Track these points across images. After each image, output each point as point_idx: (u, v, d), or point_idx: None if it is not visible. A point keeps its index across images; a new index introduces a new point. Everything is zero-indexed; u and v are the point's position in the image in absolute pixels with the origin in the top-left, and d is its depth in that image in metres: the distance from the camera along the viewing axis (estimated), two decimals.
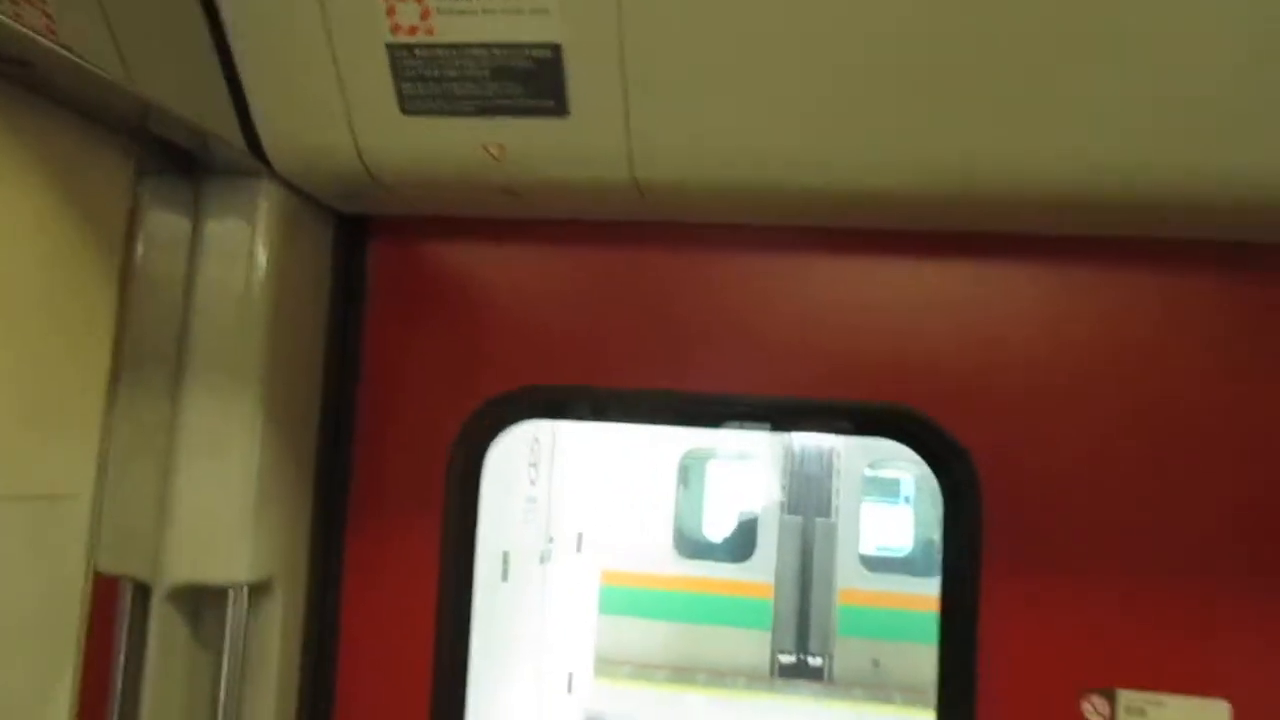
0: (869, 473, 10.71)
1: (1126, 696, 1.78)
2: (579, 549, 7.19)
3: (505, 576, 5.48)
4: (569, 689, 7.04)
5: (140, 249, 1.81)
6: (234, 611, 1.80)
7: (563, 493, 6.55)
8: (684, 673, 10.59)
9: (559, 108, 1.59)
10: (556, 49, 1.53)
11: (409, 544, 1.99)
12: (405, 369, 2.03)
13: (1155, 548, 1.80)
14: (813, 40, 1.49)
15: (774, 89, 1.55)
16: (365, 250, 2.05)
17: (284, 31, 1.59)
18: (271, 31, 1.60)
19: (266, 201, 1.79)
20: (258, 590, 1.84)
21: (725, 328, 1.94)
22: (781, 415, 1.96)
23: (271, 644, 1.87)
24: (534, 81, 1.57)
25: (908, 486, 12.90)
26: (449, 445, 1.99)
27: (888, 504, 13.26)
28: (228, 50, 1.61)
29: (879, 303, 1.90)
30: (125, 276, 1.79)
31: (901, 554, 11.72)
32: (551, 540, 6.47)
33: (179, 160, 1.77)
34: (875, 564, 10.67)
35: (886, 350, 1.89)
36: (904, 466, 11.21)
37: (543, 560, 6.35)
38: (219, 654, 1.80)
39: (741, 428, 1.90)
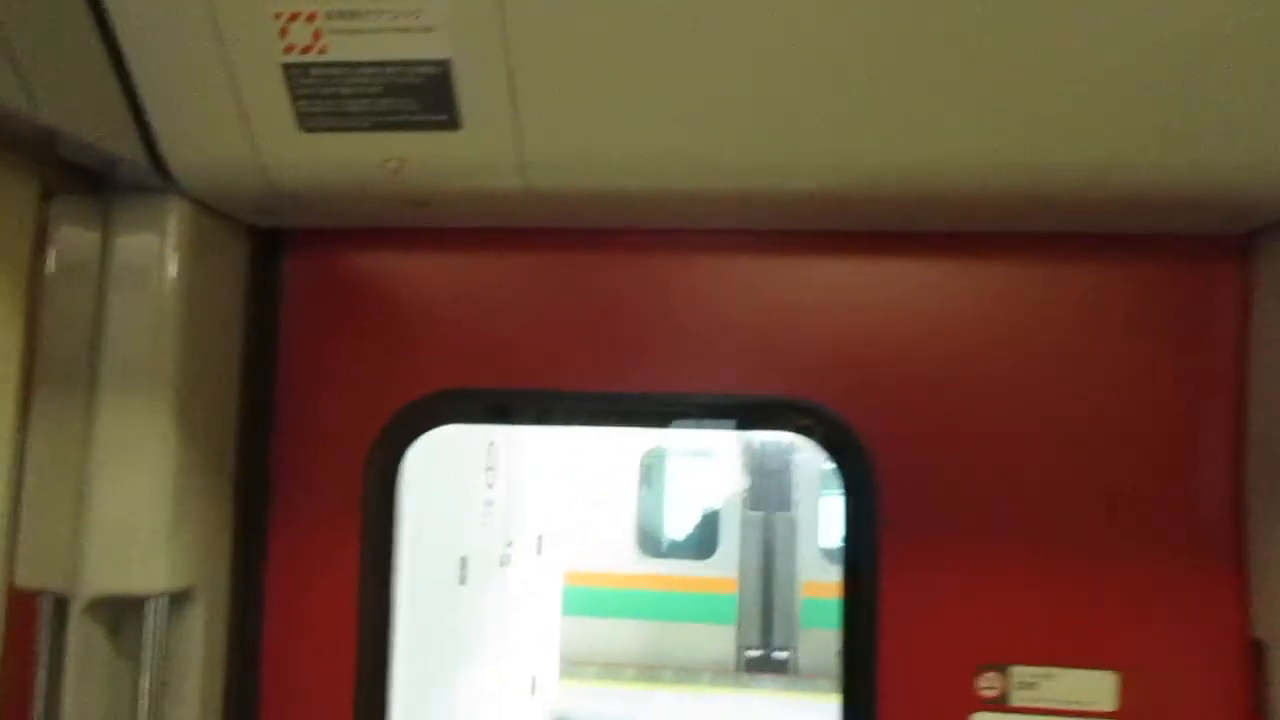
0: (828, 466, 10.81)
1: (1019, 671, 1.86)
2: (540, 551, 7.24)
3: (463, 580, 5.52)
4: (532, 691, 7.08)
5: (51, 268, 1.84)
6: (153, 622, 1.83)
7: (522, 495, 6.59)
8: (651, 670, 10.66)
9: (452, 121, 1.64)
10: (445, 64, 1.58)
11: (330, 550, 2.03)
12: (323, 377, 2.07)
13: (1046, 530, 1.88)
14: (699, 46, 1.54)
15: (660, 97, 1.60)
16: (281, 263, 2.09)
17: (181, 53, 1.63)
18: (169, 53, 1.63)
19: (175, 217, 1.83)
20: (178, 600, 1.88)
21: (630, 328, 2.00)
22: (678, 412, 2.02)
23: (194, 653, 1.90)
24: (426, 96, 1.62)
25: None
26: (367, 450, 2.03)
27: None
28: (127, 73, 1.64)
29: (779, 300, 1.97)
30: (35, 296, 1.82)
31: None
32: (511, 543, 6.51)
33: (87, 180, 1.81)
34: (837, 556, 10.74)
35: (787, 346, 1.96)
36: None
37: (502, 563, 6.40)
38: (140, 665, 1.84)
39: (642, 425, 1.96)
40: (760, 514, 10.95)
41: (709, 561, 10.91)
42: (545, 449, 7.14)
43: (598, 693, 10.03)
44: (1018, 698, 1.86)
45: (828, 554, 10.58)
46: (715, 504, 11.11)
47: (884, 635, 1.89)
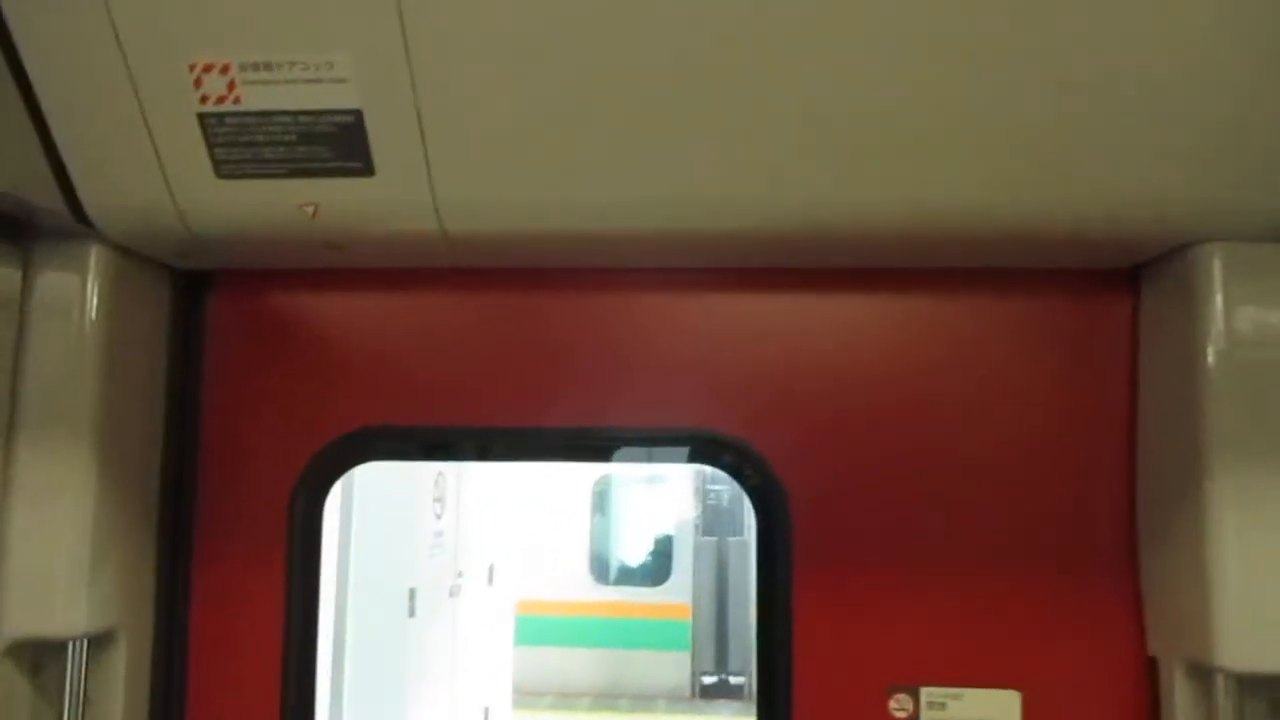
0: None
1: (928, 692, 1.93)
2: (491, 581, 7.22)
3: (412, 612, 5.50)
4: None
5: None
6: (75, 664, 1.84)
7: (472, 526, 6.58)
8: (606, 699, 10.63)
9: (365, 168, 1.69)
10: (358, 114, 1.63)
11: (254, 589, 2.04)
12: (246, 416, 2.10)
13: (952, 555, 1.95)
14: (605, 94, 1.60)
15: (570, 142, 1.65)
16: (205, 303, 2.12)
17: (98, 104, 1.65)
18: (86, 104, 1.66)
19: (95, 261, 1.85)
20: (100, 642, 1.88)
21: (553, 365, 2.05)
22: (596, 446, 2.07)
23: (115, 695, 1.90)
24: (340, 144, 1.67)
25: None
26: (291, 488, 2.05)
27: None
28: (44, 123, 1.67)
29: (694, 336, 2.03)
30: None
31: None
32: (461, 574, 6.49)
33: (6, 226, 1.82)
34: None
35: (702, 381, 2.02)
36: None
37: (452, 594, 6.38)
38: (63, 708, 1.84)
39: (559, 460, 2.01)
40: (713, 539, 11.00)
41: (663, 588, 10.93)
42: (496, 479, 7.14)
43: None
44: (928, 717, 1.92)
45: None
46: (668, 530, 11.15)
47: (799, 658, 1.94)
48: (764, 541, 2.00)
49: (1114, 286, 1.96)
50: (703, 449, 2.04)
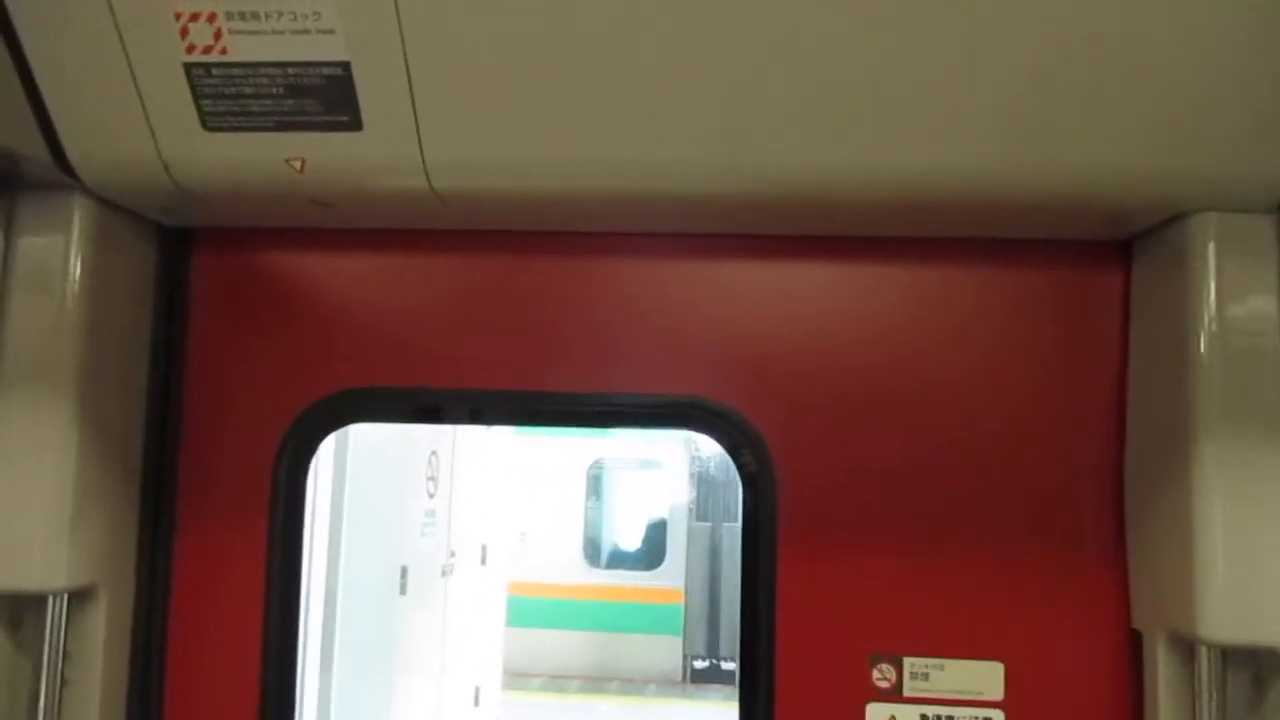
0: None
1: (911, 662, 1.92)
2: (484, 561, 7.22)
3: (403, 590, 5.50)
4: (475, 702, 7.06)
5: None
6: (54, 619, 1.83)
7: (465, 506, 6.58)
8: (597, 682, 10.66)
9: (353, 122, 1.67)
10: (346, 66, 1.61)
11: (237, 549, 2.04)
12: (231, 376, 2.08)
13: (937, 525, 1.94)
14: (594, 50, 1.58)
15: (560, 99, 1.64)
16: (190, 261, 2.10)
17: (84, 52, 1.64)
18: (71, 52, 1.64)
19: (80, 215, 1.84)
20: (80, 597, 1.87)
21: (544, 330, 2.04)
22: (585, 411, 2.06)
23: (95, 651, 1.90)
24: (327, 97, 1.65)
25: None
26: (275, 449, 2.04)
27: None
28: (29, 72, 1.65)
29: (685, 301, 2.02)
30: None
31: None
32: (453, 554, 6.50)
33: None
34: None
35: (692, 346, 2.01)
36: None
37: (444, 573, 6.38)
38: (41, 663, 1.83)
39: (548, 424, 2.00)
40: (707, 524, 11.02)
41: (655, 572, 10.95)
42: (490, 461, 7.15)
43: (543, 704, 10.00)
44: (910, 688, 1.92)
45: None
46: (662, 515, 11.16)
47: (781, 627, 1.94)
48: (749, 509, 1.99)
49: (1107, 259, 1.95)
50: (691, 415, 2.03)
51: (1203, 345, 1.70)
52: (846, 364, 1.99)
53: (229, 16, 1.58)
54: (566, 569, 10.91)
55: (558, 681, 10.59)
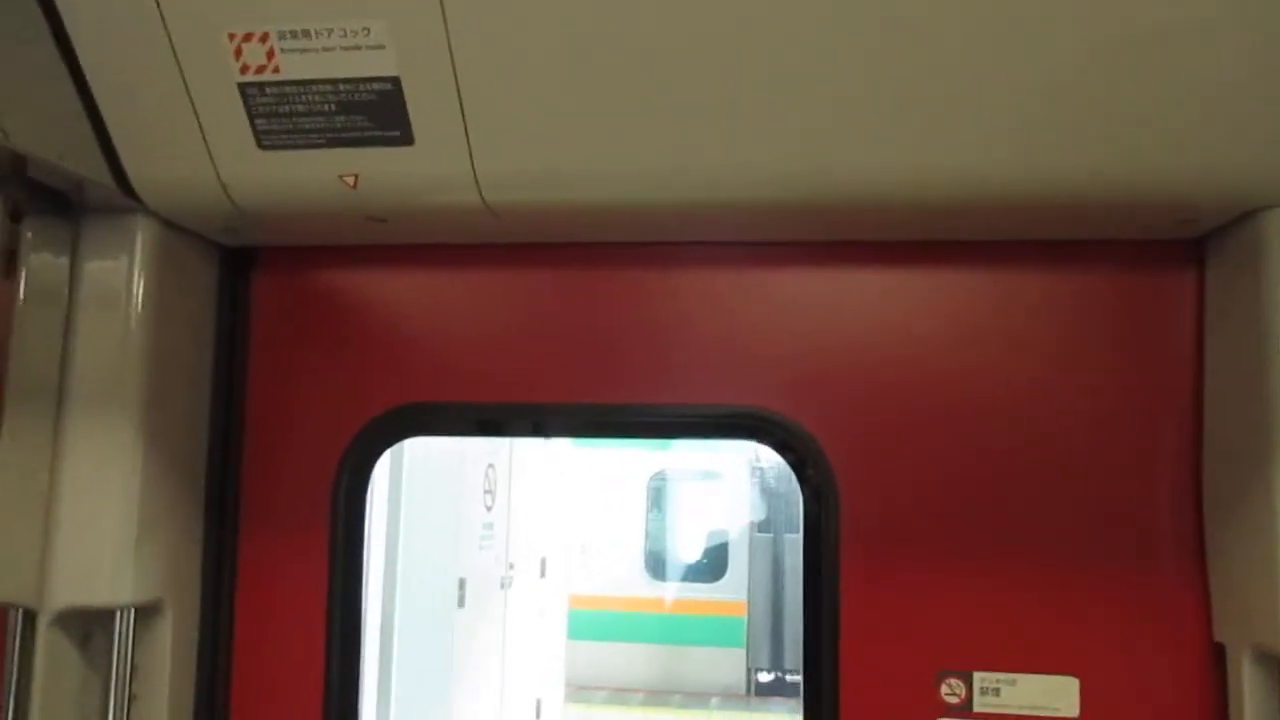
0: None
1: (981, 677, 1.86)
2: (543, 574, 7.24)
3: (462, 603, 5.54)
4: (537, 714, 7.07)
5: (22, 290, 1.88)
6: (121, 634, 1.86)
7: (524, 519, 6.61)
8: (661, 695, 10.61)
9: (405, 137, 1.67)
10: (396, 81, 1.62)
11: (299, 563, 2.05)
12: (292, 392, 2.10)
13: (1007, 537, 1.88)
14: (644, 61, 1.57)
15: (611, 110, 1.63)
16: (250, 281, 2.13)
17: (141, 76, 1.67)
18: (130, 76, 1.67)
19: (143, 237, 1.87)
20: (147, 612, 1.90)
21: (602, 342, 2.03)
22: (647, 423, 2.04)
23: (162, 665, 1.92)
24: (379, 113, 1.66)
25: None
26: (336, 464, 2.06)
27: None
28: (90, 96, 1.69)
29: (747, 313, 1.99)
30: (6, 316, 1.86)
31: None
32: (512, 566, 6.52)
33: (57, 202, 1.85)
34: None
35: (754, 358, 1.98)
36: None
37: (503, 586, 6.41)
38: (109, 678, 1.86)
39: (606, 436, 1.98)
40: (769, 536, 10.92)
41: (718, 584, 10.87)
42: (549, 474, 7.16)
43: (606, 717, 9.98)
44: (980, 703, 1.86)
45: None
46: (723, 527, 11.09)
47: (846, 642, 1.89)
48: (810, 521, 1.95)
49: (1177, 259, 1.88)
50: (750, 426, 1.99)
51: None
52: (908, 373, 1.94)
53: (281, 36, 1.60)
54: (628, 582, 10.89)
55: (621, 695, 10.56)
